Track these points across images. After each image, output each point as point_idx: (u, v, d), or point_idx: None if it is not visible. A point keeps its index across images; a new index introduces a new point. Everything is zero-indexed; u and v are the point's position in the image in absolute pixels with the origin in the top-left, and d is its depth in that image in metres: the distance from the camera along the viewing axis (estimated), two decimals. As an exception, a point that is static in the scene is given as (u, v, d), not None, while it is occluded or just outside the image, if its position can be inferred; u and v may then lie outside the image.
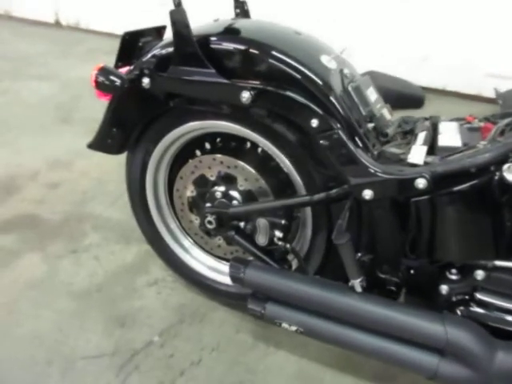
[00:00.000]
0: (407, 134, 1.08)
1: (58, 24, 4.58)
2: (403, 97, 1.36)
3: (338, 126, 0.96)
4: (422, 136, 1.02)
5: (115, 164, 1.99)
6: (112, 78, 1.11)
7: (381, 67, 1.60)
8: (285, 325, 1.08)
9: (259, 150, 1.20)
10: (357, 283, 0.99)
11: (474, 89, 2.92)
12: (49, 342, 1.35)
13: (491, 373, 0.90)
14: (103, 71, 1.10)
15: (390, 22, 3.14)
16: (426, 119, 1.13)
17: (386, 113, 1.09)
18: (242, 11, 1.27)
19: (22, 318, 1.42)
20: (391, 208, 0.97)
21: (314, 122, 0.97)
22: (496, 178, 0.87)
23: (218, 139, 1.26)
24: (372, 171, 0.94)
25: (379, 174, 0.94)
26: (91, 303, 1.48)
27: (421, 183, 0.90)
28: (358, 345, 1.02)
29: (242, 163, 1.18)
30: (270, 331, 1.39)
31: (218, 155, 1.22)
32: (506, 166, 0.85)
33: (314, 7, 3.34)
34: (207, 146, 1.26)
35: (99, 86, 1.11)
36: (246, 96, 0.98)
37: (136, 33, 1.18)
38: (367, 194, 0.95)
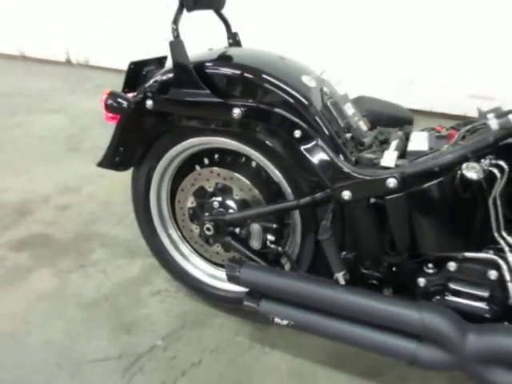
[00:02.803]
0: (382, 143, 1.21)
1: (68, 62, 4.85)
2: (392, 118, 1.49)
3: (318, 135, 1.09)
4: (394, 143, 1.15)
5: (121, 188, 2.13)
6: (120, 100, 1.25)
7: (370, 91, 1.75)
8: (277, 319, 1.17)
9: (253, 163, 1.32)
10: (340, 276, 1.09)
11: (459, 110, 3.07)
12: (59, 348, 1.43)
13: (464, 354, 0.99)
14: (112, 95, 1.25)
15: (376, 48, 3.35)
16: (400, 130, 1.25)
17: (362, 125, 1.22)
18: (234, 41, 1.43)
19: (33, 327, 1.52)
20: (369, 208, 1.09)
21: (297, 133, 1.10)
22: (457, 176, 0.98)
23: (216, 154, 1.38)
24: (349, 174, 1.06)
25: (355, 176, 1.06)
26: (98, 312, 1.58)
27: (391, 183, 1.02)
28: (344, 335, 1.11)
29: (237, 175, 1.31)
30: (266, 334, 1.48)
31: (216, 168, 1.34)
32: (464, 165, 0.97)
33: (306, 41, 3.56)
34: (206, 160, 1.39)
35: (108, 107, 1.25)
36: (236, 112, 1.12)
37: (140, 62, 1.34)
38: (346, 194, 1.07)
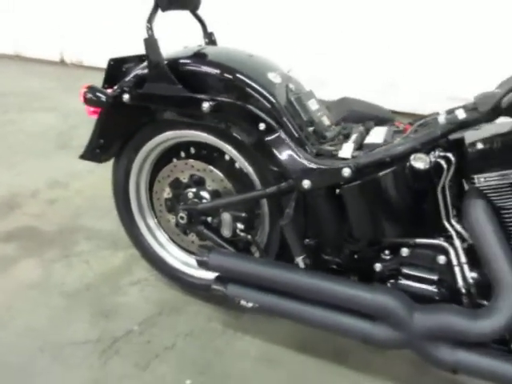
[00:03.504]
0: (345, 137, 1.28)
1: (62, 62, 4.94)
2: (374, 119, 1.57)
3: (281, 128, 1.17)
4: (353, 137, 1.22)
5: (108, 183, 2.18)
6: (98, 94, 1.32)
7: (353, 93, 1.83)
8: (243, 302, 1.24)
9: (226, 156, 1.39)
10: (300, 260, 1.16)
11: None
12: (41, 333, 1.50)
13: (412, 332, 1.06)
14: (91, 89, 1.32)
15: (358, 52, 3.45)
16: (363, 125, 1.33)
17: (325, 120, 1.30)
18: (210, 40, 1.51)
19: (18, 313, 1.58)
20: (328, 196, 1.16)
21: (262, 126, 1.17)
22: (407, 166, 1.06)
23: (192, 147, 1.45)
24: (308, 164, 1.14)
25: (314, 166, 1.13)
26: (80, 300, 1.64)
27: (346, 172, 1.09)
28: (303, 316, 1.18)
29: (210, 167, 1.38)
30: (238, 321, 1.54)
31: (190, 160, 1.41)
32: (412, 156, 1.05)
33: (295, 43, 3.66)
34: (182, 153, 1.46)
35: (87, 101, 1.32)
36: (206, 106, 1.19)
37: (120, 59, 1.41)
38: (306, 183, 1.14)
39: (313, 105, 1.28)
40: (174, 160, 1.46)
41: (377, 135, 1.21)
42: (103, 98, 1.32)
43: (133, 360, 1.40)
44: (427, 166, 1.03)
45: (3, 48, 5.25)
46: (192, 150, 1.44)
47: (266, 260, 1.28)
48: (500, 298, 0.99)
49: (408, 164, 1.05)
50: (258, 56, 1.34)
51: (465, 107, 1.08)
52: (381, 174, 1.08)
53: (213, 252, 1.26)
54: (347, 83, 3.35)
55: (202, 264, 1.27)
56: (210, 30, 1.50)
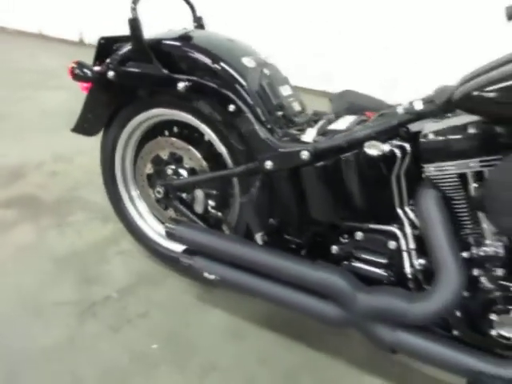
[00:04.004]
0: (313, 123, 1.33)
1: (81, 42, 5.09)
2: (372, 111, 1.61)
3: (250, 111, 1.22)
4: (320, 123, 1.27)
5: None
6: (85, 70, 1.41)
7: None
8: (206, 274, 1.31)
9: (206, 137, 1.45)
10: (258, 237, 1.23)
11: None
12: (27, 291, 1.60)
13: (356, 311, 1.12)
14: (78, 64, 1.41)
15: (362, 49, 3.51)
16: (336, 115, 1.37)
17: (296, 105, 1.34)
18: (199, 24, 1.57)
19: (9, 272, 1.69)
20: (290, 178, 1.21)
21: (231, 107, 1.23)
22: (362, 152, 1.10)
23: (175, 127, 1.52)
24: (271, 146, 1.19)
25: (277, 149, 1.19)
26: (67, 265, 1.75)
27: (304, 155, 1.14)
28: (258, 290, 1.25)
29: (188, 146, 1.45)
30: (211, 295, 1.62)
31: (172, 139, 1.49)
32: (367, 143, 1.09)
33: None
34: (166, 132, 1.53)
35: (74, 75, 1.41)
36: (181, 86, 1.26)
37: (111, 38, 1.48)
38: (268, 164, 1.20)
39: (285, 91, 1.33)
40: (158, 137, 1.53)
41: (342, 123, 1.25)
42: (89, 73, 1.40)
43: (107, 323, 1.50)
44: (380, 154, 1.07)
45: (27, 26, 5.43)
46: (175, 129, 1.51)
47: (227, 235, 1.35)
48: (439, 284, 1.03)
49: (362, 150, 1.09)
50: (237, 41, 1.39)
51: (423, 99, 1.11)
52: (337, 158, 1.13)
53: (180, 224, 1.33)
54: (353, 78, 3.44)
55: (169, 235, 1.34)
56: (199, 14, 1.56)
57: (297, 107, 1.34)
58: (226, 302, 1.59)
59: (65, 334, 1.44)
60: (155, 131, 1.55)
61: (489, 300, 1.03)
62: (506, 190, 0.91)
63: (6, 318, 1.49)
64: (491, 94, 0.92)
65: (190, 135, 1.48)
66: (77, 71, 1.39)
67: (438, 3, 3.26)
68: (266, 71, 1.32)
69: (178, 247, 1.55)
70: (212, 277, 1.30)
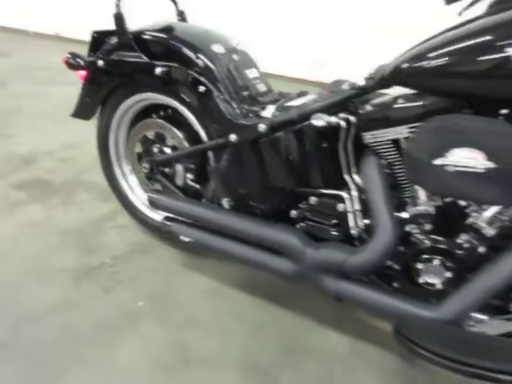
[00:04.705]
0: (275, 101, 1.48)
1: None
2: None
3: (217, 91, 1.39)
4: (280, 101, 1.42)
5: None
6: (77, 59, 1.59)
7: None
8: (182, 237, 1.49)
9: (184, 117, 1.62)
10: (225, 202, 1.39)
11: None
12: (32, 260, 1.80)
13: (306, 264, 1.27)
14: (72, 55, 1.60)
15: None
16: (298, 94, 1.52)
17: (261, 86, 1.50)
18: (182, 18, 1.74)
19: (17, 243, 1.90)
20: (252, 149, 1.37)
21: (201, 88, 1.40)
22: (310, 124, 1.25)
23: (161, 110, 1.69)
24: (235, 121, 1.35)
25: (239, 123, 1.35)
26: (69, 238, 1.95)
27: (261, 128, 1.30)
28: (226, 250, 1.41)
29: (169, 125, 1.62)
30: (195, 261, 1.80)
31: (157, 120, 1.66)
32: (313, 116, 1.23)
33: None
34: (153, 114, 1.71)
35: (68, 64, 1.60)
36: (158, 71, 1.43)
37: (103, 32, 1.67)
38: (232, 137, 1.36)
39: (252, 73, 1.49)
40: (146, 119, 1.71)
41: (300, 100, 1.40)
42: (81, 62, 1.59)
43: (101, 285, 1.68)
44: (325, 125, 1.22)
45: (45, 28, 5.74)
46: (160, 112, 1.69)
47: (200, 203, 1.52)
48: (374, 239, 1.17)
49: (309, 122, 1.24)
50: (211, 31, 1.56)
51: (365, 76, 1.25)
52: (290, 130, 1.28)
53: (160, 194, 1.51)
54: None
55: (151, 203, 1.52)
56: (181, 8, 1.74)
57: (262, 88, 1.50)
58: (208, 267, 1.76)
59: (63, 294, 1.63)
60: (145, 113, 1.73)
61: (418, 251, 1.17)
62: (423, 151, 1.05)
63: (14, 281, 1.69)
64: (413, 68, 1.06)
65: (173, 116, 1.65)
66: (71, 61, 1.59)
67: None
68: (234, 56, 1.48)
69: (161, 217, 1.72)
70: (187, 239, 1.47)
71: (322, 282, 1.25)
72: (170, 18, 1.73)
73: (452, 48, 1.00)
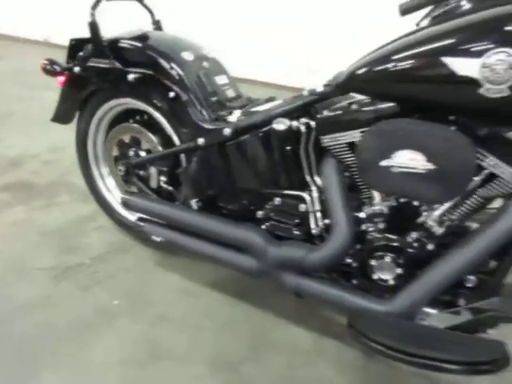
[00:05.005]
0: (244, 107, 1.54)
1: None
2: None
3: (186, 97, 1.45)
4: (248, 106, 1.49)
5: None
6: (54, 66, 1.65)
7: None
8: (154, 237, 1.54)
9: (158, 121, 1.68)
10: (193, 203, 1.45)
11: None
12: (13, 258, 1.85)
13: (267, 262, 1.33)
14: (49, 61, 1.65)
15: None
16: (266, 99, 1.58)
17: (230, 92, 1.56)
18: (157, 27, 1.80)
19: (1, 243, 1.96)
20: (219, 153, 1.43)
21: (171, 94, 1.46)
22: (272, 128, 1.31)
23: (137, 115, 1.75)
24: (203, 126, 1.42)
25: (206, 127, 1.41)
26: (50, 238, 2.00)
27: (226, 132, 1.36)
28: (194, 249, 1.47)
29: (144, 130, 1.68)
30: (169, 260, 1.85)
31: (133, 125, 1.72)
32: (275, 121, 1.29)
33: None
34: (129, 119, 1.76)
35: (45, 70, 1.65)
36: (131, 77, 1.49)
37: (81, 39, 1.72)
38: (200, 141, 1.42)
39: (221, 80, 1.55)
40: (122, 124, 1.77)
41: (266, 106, 1.46)
42: (58, 68, 1.65)
43: (78, 284, 1.74)
44: (286, 129, 1.28)
45: (35, 34, 5.84)
46: (136, 117, 1.75)
47: (170, 204, 1.57)
48: (331, 238, 1.24)
49: (270, 127, 1.30)
50: (183, 39, 1.63)
51: (324, 83, 1.31)
52: (253, 134, 1.34)
53: (133, 195, 1.57)
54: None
55: (124, 204, 1.58)
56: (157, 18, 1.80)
57: (231, 94, 1.56)
58: (182, 266, 1.82)
59: (41, 292, 1.68)
60: (124, 117, 1.78)
61: (372, 249, 1.23)
62: (371, 153, 1.11)
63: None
64: (364, 75, 1.13)
65: (148, 121, 1.70)
66: (48, 67, 1.64)
67: None
68: (204, 63, 1.55)
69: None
70: (158, 239, 1.53)
71: (283, 278, 1.31)
72: (147, 26, 1.79)
73: (398, 56, 1.06)
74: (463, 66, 0.93)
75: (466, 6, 1.04)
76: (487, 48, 0.91)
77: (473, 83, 0.93)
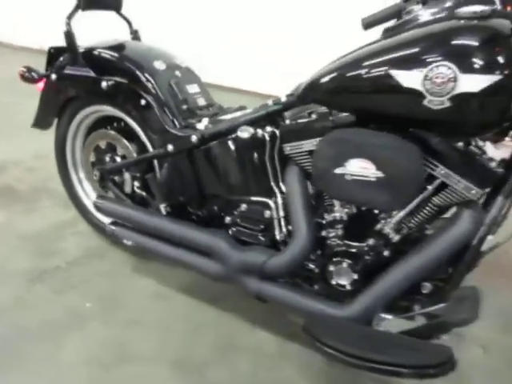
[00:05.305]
0: (214, 115, 1.58)
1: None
2: None
3: (157, 104, 1.49)
4: (217, 115, 1.53)
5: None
6: (32, 73, 1.69)
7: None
8: (125, 241, 1.57)
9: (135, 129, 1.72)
10: (162, 208, 1.48)
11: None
12: (-10, 262, 1.89)
13: (231, 266, 1.36)
14: (26, 68, 1.69)
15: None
16: (237, 108, 1.62)
17: (201, 101, 1.61)
18: (135, 36, 1.85)
19: (-21, 247, 1.98)
20: (187, 159, 1.47)
21: (143, 102, 1.50)
22: (236, 136, 1.35)
23: (115, 121, 1.79)
24: (172, 133, 1.45)
25: (175, 134, 1.45)
26: (29, 242, 2.02)
27: (193, 139, 1.40)
28: (163, 253, 1.50)
29: (119, 136, 1.72)
30: (144, 265, 1.88)
31: (108, 131, 1.76)
32: (239, 129, 1.34)
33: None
34: (107, 125, 1.80)
35: (23, 77, 1.70)
36: (104, 85, 1.54)
37: (58, 47, 1.77)
38: (169, 147, 1.46)
39: (193, 89, 1.60)
40: (99, 130, 1.81)
41: (235, 114, 1.50)
42: (35, 75, 1.69)
43: (53, 287, 1.76)
44: (250, 137, 1.32)
45: (30, 42, 5.92)
46: (113, 123, 1.79)
47: (140, 208, 1.60)
48: (291, 243, 1.27)
49: (236, 135, 1.34)
50: (156, 49, 1.68)
51: (287, 93, 1.36)
52: (219, 141, 1.38)
53: (105, 199, 1.61)
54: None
55: (96, 208, 1.62)
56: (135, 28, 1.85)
57: (202, 102, 1.61)
58: (157, 271, 1.84)
59: (15, 294, 1.70)
60: (102, 124, 1.82)
61: (331, 255, 1.26)
62: (325, 161, 1.15)
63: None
64: (318, 87, 1.17)
65: (124, 128, 1.74)
66: (26, 74, 1.69)
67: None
68: (176, 72, 1.59)
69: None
70: (129, 243, 1.56)
71: (246, 282, 1.34)
72: (126, 36, 1.84)
73: (350, 69, 1.10)
74: (408, 79, 0.98)
75: (419, 19, 1.09)
76: (429, 61, 0.95)
77: (417, 95, 0.98)
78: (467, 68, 0.92)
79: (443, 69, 0.93)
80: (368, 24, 1.26)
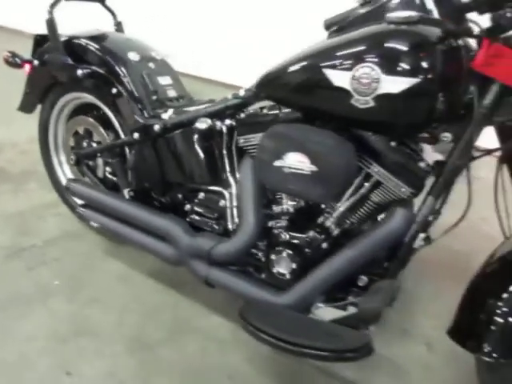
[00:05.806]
0: (182, 106, 1.64)
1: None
2: None
3: (127, 93, 1.56)
4: (184, 106, 1.59)
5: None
6: (16, 58, 1.78)
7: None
8: (92, 223, 1.65)
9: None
10: (125, 192, 1.55)
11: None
12: (-29, 238, 1.99)
13: (183, 251, 1.42)
14: (11, 53, 1.78)
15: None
16: (207, 101, 1.68)
17: (172, 93, 1.67)
18: (119, 28, 1.93)
19: (-39, 222, 2.08)
20: (151, 147, 1.53)
21: (114, 90, 1.58)
22: (195, 127, 1.41)
23: (94, 109, 1.86)
24: (139, 121, 1.53)
25: (141, 123, 1.52)
26: (11, 221, 2.12)
27: (156, 128, 1.47)
28: (125, 235, 1.57)
29: (96, 123, 1.80)
30: (118, 249, 1.95)
31: (86, 117, 1.83)
32: (198, 120, 1.40)
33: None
34: (86, 112, 1.88)
35: (7, 62, 1.78)
36: (79, 73, 1.61)
37: (44, 35, 1.85)
38: (135, 136, 1.53)
39: (165, 80, 1.67)
40: (77, 116, 1.88)
41: (199, 107, 1.56)
42: (18, 61, 1.77)
43: (27, 264, 1.85)
44: (207, 128, 1.38)
45: (40, 30, 6.03)
46: (91, 110, 1.86)
47: (107, 192, 1.68)
48: (238, 232, 1.33)
49: (195, 125, 1.40)
50: (133, 40, 1.75)
51: (246, 88, 1.41)
52: (180, 131, 1.45)
53: (74, 181, 1.69)
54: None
55: (67, 189, 1.70)
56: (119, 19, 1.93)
57: (172, 94, 1.67)
58: (127, 255, 1.91)
59: (-10, 269, 1.80)
60: (82, 110, 1.90)
61: (274, 244, 1.32)
62: (265, 153, 1.20)
63: None
64: (266, 83, 1.23)
65: (101, 115, 1.82)
66: (10, 59, 1.77)
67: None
68: (150, 64, 1.66)
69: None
70: (96, 225, 1.64)
71: (195, 267, 1.41)
72: (109, 27, 1.92)
73: (292, 67, 1.16)
74: (338, 78, 1.03)
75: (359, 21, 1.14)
76: (356, 62, 1.00)
77: (346, 94, 1.03)
78: (390, 70, 0.97)
79: (368, 69, 0.98)
80: (329, 25, 1.31)
